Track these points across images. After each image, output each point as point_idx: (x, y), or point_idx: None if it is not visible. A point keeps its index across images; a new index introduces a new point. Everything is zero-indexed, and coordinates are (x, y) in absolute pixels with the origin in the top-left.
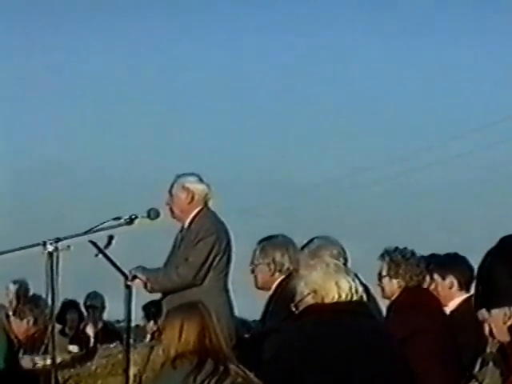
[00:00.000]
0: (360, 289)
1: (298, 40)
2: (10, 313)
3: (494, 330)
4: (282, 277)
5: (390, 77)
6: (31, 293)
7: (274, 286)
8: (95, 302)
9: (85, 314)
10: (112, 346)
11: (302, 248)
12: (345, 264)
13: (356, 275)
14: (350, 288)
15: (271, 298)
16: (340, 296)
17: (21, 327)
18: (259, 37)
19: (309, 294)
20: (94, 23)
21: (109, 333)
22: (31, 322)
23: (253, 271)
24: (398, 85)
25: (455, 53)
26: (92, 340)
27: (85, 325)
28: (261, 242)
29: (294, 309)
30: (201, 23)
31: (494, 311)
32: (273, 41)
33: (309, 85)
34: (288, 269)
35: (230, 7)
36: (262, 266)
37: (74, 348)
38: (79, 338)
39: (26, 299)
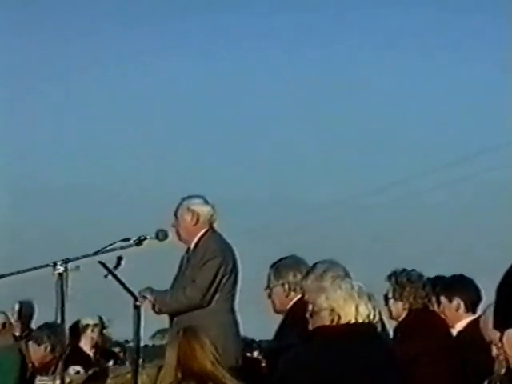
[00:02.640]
0: (378, 317)
1: (310, 66)
2: (17, 333)
3: (508, 352)
4: (298, 296)
5: (396, 102)
6: (36, 313)
7: (289, 306)
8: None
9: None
10: (111, 363)
11: (307, 273)
12: None
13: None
14: (368, 315)
15: (286, 316)
16: (357, 321)
17: (38, 353)
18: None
19: (326, 309)
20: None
21: (106, 352)
22: (48, 349)
23: (269, 296)
24: (405, 107)
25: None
26: (92, 359)
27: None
28: (273, 265)
29: (307, 315)
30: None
31: (510, 331)
32: (285, 65)
33: (321, 108)
34: (301, 288)
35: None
36: (278, 288)
37: (75, 368)
38: (78, 357)
39: (44, 324)
